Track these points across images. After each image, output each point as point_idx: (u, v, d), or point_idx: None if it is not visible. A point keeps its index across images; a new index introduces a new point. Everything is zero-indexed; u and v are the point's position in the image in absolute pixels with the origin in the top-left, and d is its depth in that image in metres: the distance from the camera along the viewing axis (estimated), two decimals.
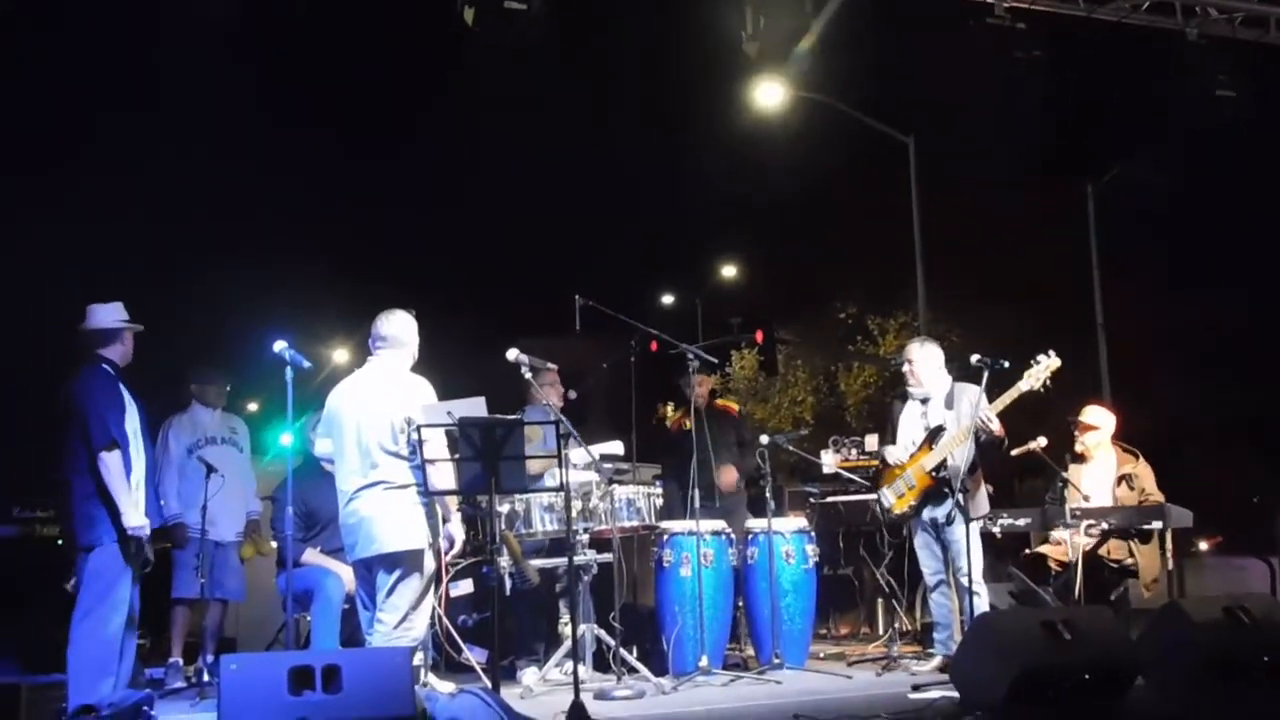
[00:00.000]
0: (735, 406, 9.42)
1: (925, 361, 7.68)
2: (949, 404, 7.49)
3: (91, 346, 6.48)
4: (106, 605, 6.10)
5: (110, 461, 6.14)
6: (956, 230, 17.06)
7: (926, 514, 7.51)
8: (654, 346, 9.58)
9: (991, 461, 7.53)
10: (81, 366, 6.40)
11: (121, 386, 6.42)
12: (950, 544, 7.43)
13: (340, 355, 16.89)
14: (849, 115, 15.63)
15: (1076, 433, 8.48)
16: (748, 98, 13.27)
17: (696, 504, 7.55)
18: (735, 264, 24.60)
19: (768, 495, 8.13)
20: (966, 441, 7.28)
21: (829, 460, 9.73)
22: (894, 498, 7.65)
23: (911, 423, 7.67)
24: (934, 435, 7.47)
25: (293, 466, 7.02)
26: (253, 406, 13.56)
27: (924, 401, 7.64)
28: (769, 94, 13.27)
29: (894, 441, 7.75)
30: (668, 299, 22.43)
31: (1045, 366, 7.27)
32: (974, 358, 7.30)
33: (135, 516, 6.18)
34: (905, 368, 7.79)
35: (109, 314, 6.56)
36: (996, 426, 7.25)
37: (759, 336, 21.38)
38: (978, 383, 7.16)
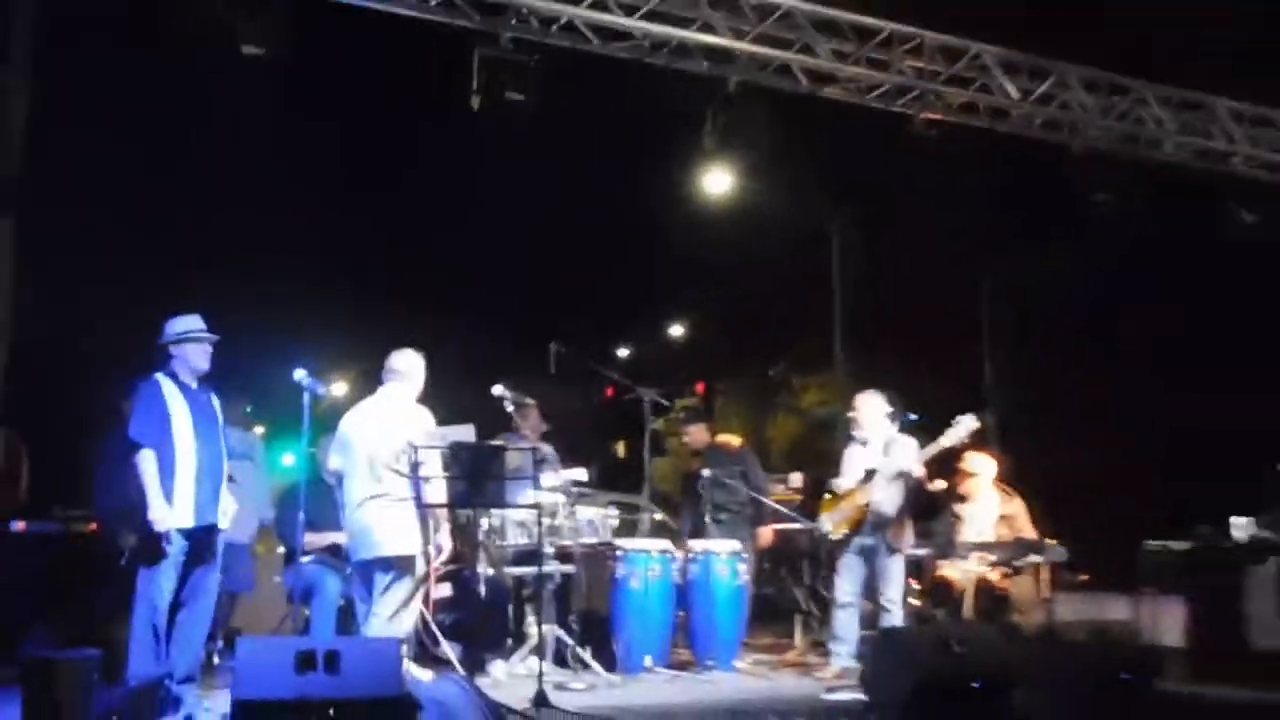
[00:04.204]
0: (736, 442, 9.17)
1: (867, 409, 7.69)
2: (885, 450, 7.50)
3: (156, 358, 6.25)
4: (147, 592, 5.93)
5: (139, 462, 5.93)
6: (872, 306, 17.27)
7: (857, 542, 7.49)
8: (610, 392, 9.61)
9: (918, 503, 7.60)
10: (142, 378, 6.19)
11: (171, 393, 6.12)
12: (877, 570, 7.44)
13: (339, 388, 16.72)
14: (782, 203, 15.81)
15: (960, 478, 8.50)
16: (699, 185, 13.48)
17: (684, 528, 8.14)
18: (682, 325, 24.84)
19: (706, 520, 8.20)
20: (893, 484, 7.36)
21: None
22: (831, 525, 7.64)
23: (854, 462, 7.67)
24: (869, 476, 7.48)
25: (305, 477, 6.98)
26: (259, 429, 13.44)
27: (865, 444, 7.66)
28: (717, 182, 13.49)
29: (840, 475, 7.76)
30: (623, 352, 22.50)
31: (965, 427, 7.33)
32: (887, 410, 7.42)
33: (156, 511, 5.90)
34: (851, 413, 7.83)
35: (169, 328, 6.29)
36: (917, 474, 7.35)
37: (700, 388, 21.51)
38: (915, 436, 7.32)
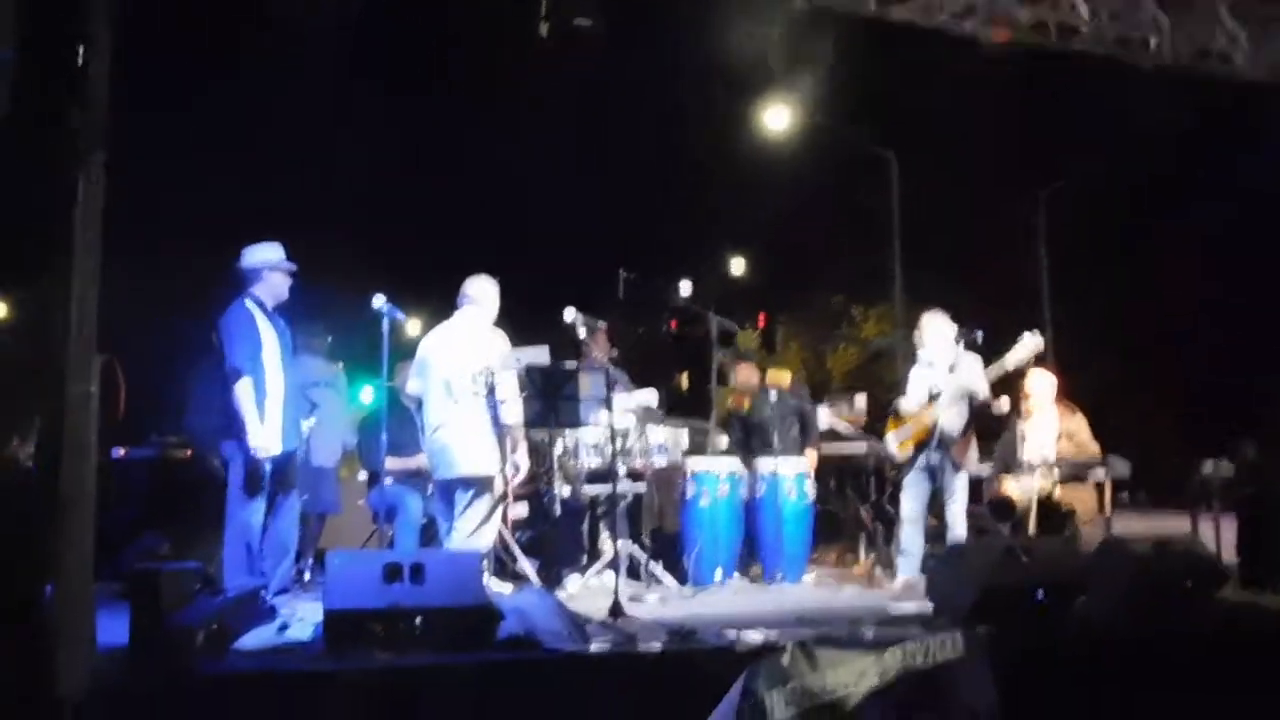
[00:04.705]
0: (787, 378, 8.98)
1: (931, 329, 7.51)
2: (951, 369, 7.34)
3: (241, 284, 6.22)
4: (241, 513, 6.02)
5: (237, 390, 5.94)
6: (932, 231, 17.01)
7: (923, 460, 7.40)
8: (673, 324, 9.58)
9: (981, 421, 7.47)
10: (228, 303, 6.14)
11: (260, 320, 6.13)
12: (942, 487, 7.38)
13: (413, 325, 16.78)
14: (841, 133, 15.57)
15: (1021, 396, 8.39)
16: (758, 121, 13.34)
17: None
18: (744, 259, 24.71)
19: (775, 443, 8.17)
20: (959, 403, 7.25)
21: (823, 415, 9.66)
22: (896, 444, 7.57)
23: (919, 382, 7.54)
24: (934, 396, 7.37)
25: (386, 402, 7.03)
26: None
27: (930, 365, 7.51)
28: (777, 118, 13.35)
29: (905, 395, 7.65)
30: (686, 288, 22.48)
31: (1028, 346, 7.21)
32: (954, 330, 7.32)
33: (256, 438, 5.92)
34: (916, 334, 7.69)
35: (254, 254, 6.25)
36: (983, 393, 7.22)
37: (762, 320, 21.46)
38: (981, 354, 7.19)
